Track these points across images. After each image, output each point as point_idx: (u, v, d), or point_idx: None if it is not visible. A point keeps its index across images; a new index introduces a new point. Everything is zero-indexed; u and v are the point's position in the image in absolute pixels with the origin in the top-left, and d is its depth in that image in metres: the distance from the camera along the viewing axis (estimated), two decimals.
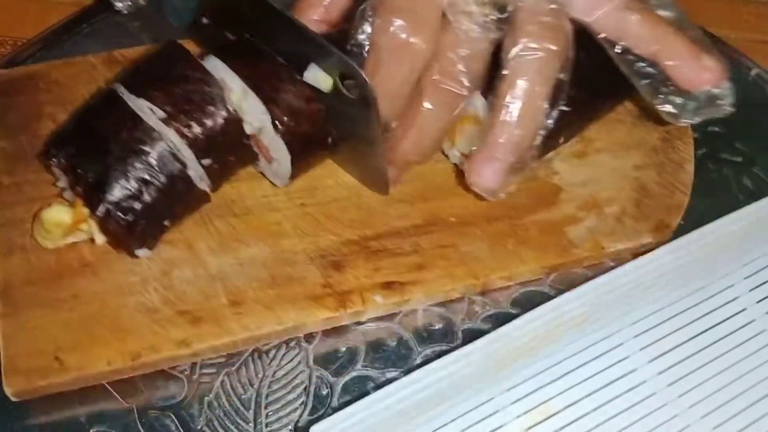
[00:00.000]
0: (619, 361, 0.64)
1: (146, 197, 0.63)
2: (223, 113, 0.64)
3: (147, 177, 0.62)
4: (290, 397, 0.65)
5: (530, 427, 0.61)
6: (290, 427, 0.64)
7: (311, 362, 0.67)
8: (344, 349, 0.68)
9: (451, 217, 0.73)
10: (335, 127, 0.68)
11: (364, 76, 0.61)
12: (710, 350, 0.65)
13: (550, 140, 0.68)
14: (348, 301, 0.67)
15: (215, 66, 0.67)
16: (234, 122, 0.65)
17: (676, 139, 0.80)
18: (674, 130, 0.80)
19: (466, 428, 0.60)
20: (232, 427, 0.64)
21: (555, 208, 0.74)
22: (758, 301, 0.68)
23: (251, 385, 0.66)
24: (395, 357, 0.68)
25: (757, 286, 0.68)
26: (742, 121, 0.81)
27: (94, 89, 0.77)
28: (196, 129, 0.64)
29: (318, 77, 0.67)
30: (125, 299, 0.65)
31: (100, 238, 0.64)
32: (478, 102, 0.69)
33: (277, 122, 0.66)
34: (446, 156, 0.75)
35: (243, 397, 0.65)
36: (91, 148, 0.62)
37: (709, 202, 0.76)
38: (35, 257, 0.67)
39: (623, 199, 0.75)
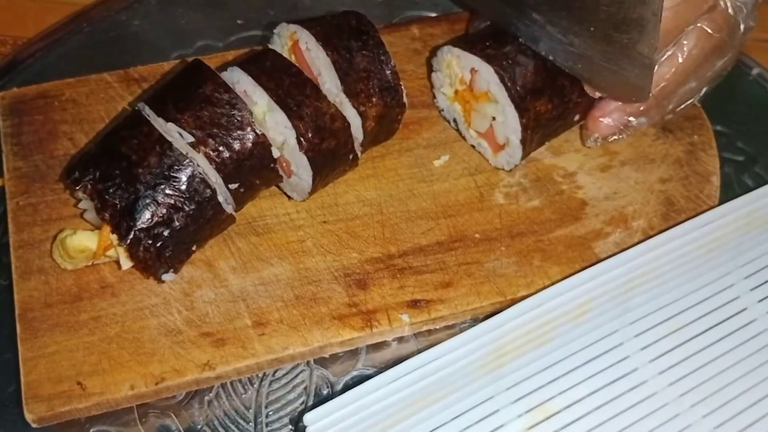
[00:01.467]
0: (620, 360, 0.63)
1: (176, 223, 0.61)
2: (251, 137, 0.63)
3: (177, 203, 0.61)
4: (291, 396, 0.64)
5: (531, 427, 0.60)
6: (290, 427, 0.63)
7: (312, 361, 0.66)
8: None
9: (475, 233, 0.71)
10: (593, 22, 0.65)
11: None
12: (711, 349, 0.64)
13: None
14: (374, 321, 0.66)
15: (240, 79, 0.66)
16: (262, 146, 0.64)
17: (700, 150, 0.78)
18: (698, 142, 0.79)
19: (466, 427, 0.59)
20: (232, 426, 0.63)
21: (580, 222, 0.73)
22: (759, 301, 0.67)
23: (251, 384, 0.64)
24: (396, 357, 0.66)
25: (757, 286, 0.68)
26: (744, 120, 0.82)
27: (110, 108, 0.76)
28: (225, 153, 0.63)
29: None
30: (147, 321, 0.64)
31: (126, 264, 0.63)
32: (491, 77, 0.70)
33: (302, 138, 0.64)
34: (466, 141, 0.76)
35: (243, 396, 0.64)
36: (118, 173, 0.61)
37: None
38: (54, 279, 0.66)
39: (650, 213, 0.74)
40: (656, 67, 0.66)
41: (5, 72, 0.81)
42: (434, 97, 0.78)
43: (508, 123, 0.71)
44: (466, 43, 0.72)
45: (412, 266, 0.69)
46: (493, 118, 0.72)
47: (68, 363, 0.61)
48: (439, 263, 0.69)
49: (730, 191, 0.77)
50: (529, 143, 0.72)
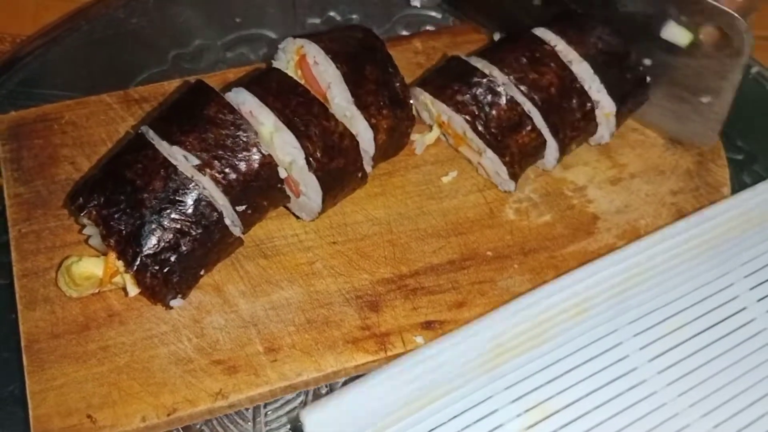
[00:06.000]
0: (619, 359, 0.63)
1: (183, 248, 0.60)
2: (258, 158, 0.62)
3: (183, 227, 0.60)
4: (289, 396, 0.64)
5: (530, 426, 0.59)
6: (289, 426, 0.62)
7: None
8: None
9: (487, 250, 0.70)
10: (666, 82, 0.69)
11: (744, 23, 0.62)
12: (710, 349, 0.63)
13: None
14: (388, 344, 0.65)
15: (245, 100, 0.65)
16: (268, 167, 0.63)
17: (710, 161, 0.78)
18: (708, 153, 0.78)
19: (465, 426, 0.59)
20: (231, 426, 0.62)
21: (593, 238, 0.72)
22: (758, 300, 0.66)
23: None
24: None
25: (756, 285, 0.67)
26: (743, 119, 0.81)
27: (111, 130, 0.75)
28: (232, 176, 0.61)
29: (676, 33, 0.68)
30: (156, 350, 0.63)
31: (132, 291, 0.62)
32: (464, 125, 0.69)
33: (311, 158, 0.63)
34: None
35: None
36: (123, 198, 0.60)
37: None
38: (60, 308, 0.64)
39: (662, 226, 0.73)
40: None
41: (4, 70, 0.81)
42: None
43: (493, 162, 0.71)
44: (436, 87, 0.71)
45: (424, 286, 0.68)
46: (480, 154, 0.72)
47: (77, 395, 0.60)
48: (451, 282, 0.68)
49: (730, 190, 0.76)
50: (520, 173, 0.72)
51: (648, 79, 0.73)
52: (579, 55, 0.71)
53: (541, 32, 0.72)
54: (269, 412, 0.62)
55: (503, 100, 0.69)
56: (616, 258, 0.65)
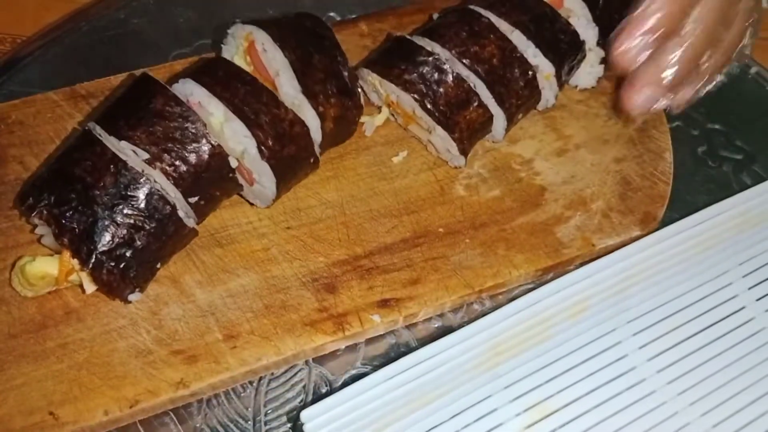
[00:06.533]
0: (618, 358, 0.64)
1: (138, 243, 0.60)
2: (207, 148, 0.62)
3: (137, 222, 0.60)
4: (289, 395, 0.64)
5: (529, 425, 0.60)
6: (289, 425, 0.63)
7: (311, 360, 0.66)
8: (343, 347, 0.67)
9: (439, 227, 0.72)
10: None
11: None
12: (709, 348, 0.65)
13: None
14: (346, 324, 0.66)
15: (193, 90, 0.65)
16: (219, 157, 0.63)
17: (652, 128, 0.80)
18: (649, 120, 0.80)
19: (464, 426, 0.60)
20: (231, 425, 0.63)
21: (541, 209, 0.74)
22: (757, 299, 0.68)
23: (250, 383, 0.64)
24: (394, 355, 0.67)
25: (755, 284, 0.69)
26: (742, 118, 0.83)
27: (59, 127, 0.74)
28: (182, 168, 0.62)
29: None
30: (115, 344, 0.63)
31: (89, 288, 0.62)
32: (412, 104, 0.70)
33: (262, 147, 0.64)
34: None
35: (242, 395, 0.64)
36: (74, 196, 0.60)
37: (709, 198, 0.76)
38: (16, 308, 0.64)
39: (607, 194, 0.75)
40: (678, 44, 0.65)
41: (4, 70, 0.80)
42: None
43: (443, 139, 0.72)
44: (383, 67, 0.72)
45: (379, 266, 0.69)
46: (430, 132, 0.73)
47: (38, 394, 0.60)
48: (405, 261, 0.70)
49: (728, 189, 0.78)
50: (469, 149, 0.73)
51: (581, 36, 0.74)
52: (510, 25, 0.72)
53: (474, 8, 0.74)
54: (269, 411, 0.63)
55: (450, 78, 0.70)
56: (614, 257, 0.66)
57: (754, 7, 0.69)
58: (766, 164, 0.81)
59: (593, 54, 0.78)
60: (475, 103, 0.71)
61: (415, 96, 0.70)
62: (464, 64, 0.71)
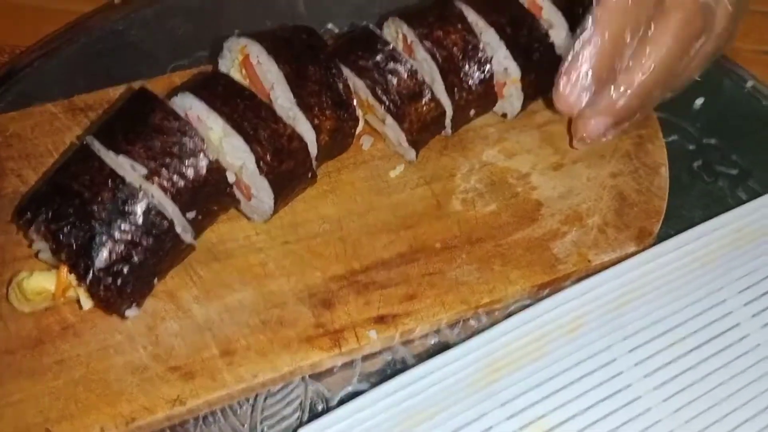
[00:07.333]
0: (614, 375, 0.64)
1: (135, 259, 0.61)
2: (205, 163, 0.63)
3: (134, 238, 0.60)
4: (286, 411, 0.65)
5: None
6: None
7: (307, 377, 0.66)
8: (340, 364, 0.67)
9: (435, 242, 0.72)
10: None
11: None
12: (705, 365, 0.65)
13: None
14: (342, 340, 0.66)
15: (192, 104, 0.65)
16: (216, 171, 0.63)
17: (648, 142, 0.80)
18: (645, 134, 0.81)
19: None
20: None
21: (537, 224, 0.74)
22: (753, 316, 0.68)
23: (247, 399, 0.64)
24: (391, 371, 0.67)
25: (750, 301, 0.69)
26: (738, 133, 0.83)
27: (57, 140, 0.74)
28: (180, 183, 0.62)
29: None
30: (112, 360, 0.63)
31: (87, 304, 0.62)
32: (365, 90, 0.71)
33: (261, 162, 0.64)
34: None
35: (239, 411, 0.64)
36: (72, 211, 0.60)
37: (705, 213, 0.76)
38: (13, 324, 0.65)
39: (603, 209, 0.75)
40: (629, 66, 0.66)
41: (2, 81, 0.81)
42: None
43: (393, 129, 0.73)
44: (343, 52, 0.73)
45: (375, 281, 0.69)
46: (383, 123, 0.74)
47: (35, 410, 0.60)
48: (402, 276, 0.70)
49: (724, 205, 0.78)
50: (419, 144, 0.74)
51: (557, 47, 0.75)
52: (487, 23, 0.73)
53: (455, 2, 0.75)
54: (265, 428, 0.63)
55: (404, 69, 0.71)
56: (609, 274, 0.67)
57: (717, 47, 0.70)
58: (762, 179, 0.81)
59: None
60: (428, 97, 0.72)
61: (367, 82, 0.71)
62: (424, 45, 0.72)
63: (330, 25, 0.89)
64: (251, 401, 0.64)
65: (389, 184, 0.75)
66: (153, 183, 0.61)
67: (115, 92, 0.78)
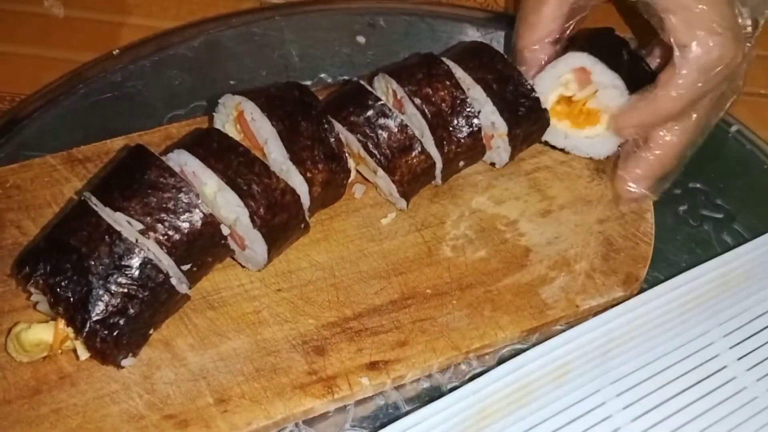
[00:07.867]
0: (602, 419, 0.65)
1: (131, 311, 0.62)
2: (200, 217, 0.64)
3: (130, 291, 0.62)
4: None
5: None
6: None
7: (300, 422, 0.67)
8: (333, 409, 0.68)
9: (426, 288, 0.74)
10: None
11: None
12: (692, 407, 0.66)
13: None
14: (335, 387, 0.67)
15: (187, 161, 0.67)
16: (211, 225, 0.65)
17: None
18: None
19: None
20: None
21: (526, 269, 0.76)
22: (739, 358, 0.69)
23: None
24: (383, 416, 0.68)
25: (736, 344, 0.70)
26: (723, 177, 0.85)
27: (56, 191, 0.76)
28: (175, 237, 0.64)
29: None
30: (108, 409, 0.64)
31: (83, 354, 0.63)
32: (356, 145, 0.74)
33: (254, 216, 0.66)
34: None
35: None
36: (69, 266, 0.61)
37: (690, 257, 0.77)
38: (11, 374, 0.66)
39: (590, 255, 0.77)
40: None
41: (2, 133, 0.83)
42: None
43: (385, 181, 0.75)
44: (335, 107, 0.75)
45: (368, 327, 0.71)
46: (375, 173, 0.76)
47: None
48: (393, 322, 0.71)
49: (709, 249, 0.80)
50: (409, 195, 0.76)
51: (543, 104, 0.78)
52: (474, 81, 0.76)
53: (437, 55, 0.77)
54: None
55: (393, 123, 0.73)
56: (597, 321, 0.68)
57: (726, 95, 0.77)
58: (747, 222, 0.82)
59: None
60: (417, 150, 0.74)
61: (359, 137, 0.73)
62: (414, 102, 0.74)
63: (323, 75, 0.92)
64: None
65: (381, 231, 0.77)
66: (149, 238, 0.63)
67: (113, 144, 0.80)
